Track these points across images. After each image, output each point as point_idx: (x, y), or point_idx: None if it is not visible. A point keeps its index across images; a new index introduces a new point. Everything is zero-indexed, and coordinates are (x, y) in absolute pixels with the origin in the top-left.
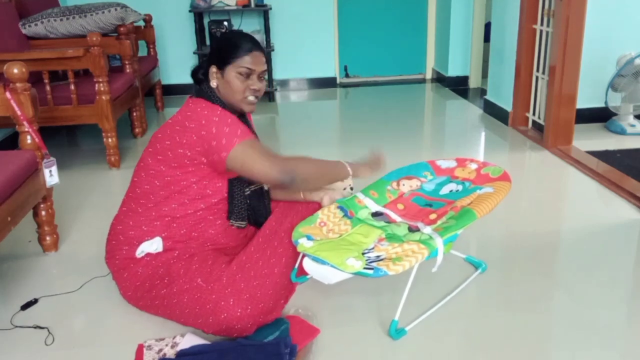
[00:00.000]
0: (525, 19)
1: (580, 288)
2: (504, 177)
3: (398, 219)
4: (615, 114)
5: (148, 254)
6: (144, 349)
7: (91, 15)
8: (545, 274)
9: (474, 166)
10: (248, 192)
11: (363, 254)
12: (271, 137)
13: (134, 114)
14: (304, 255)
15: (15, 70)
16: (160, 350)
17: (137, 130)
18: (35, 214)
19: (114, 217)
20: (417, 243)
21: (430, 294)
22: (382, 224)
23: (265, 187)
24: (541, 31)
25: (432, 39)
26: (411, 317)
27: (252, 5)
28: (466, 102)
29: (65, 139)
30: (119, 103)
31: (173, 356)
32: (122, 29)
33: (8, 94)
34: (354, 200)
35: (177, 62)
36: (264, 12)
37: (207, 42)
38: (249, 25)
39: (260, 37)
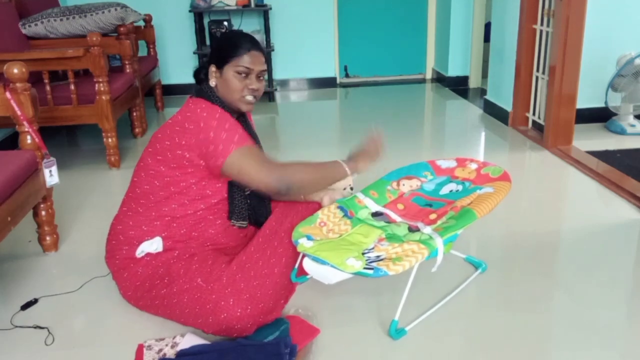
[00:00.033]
0: (525, 19)
1: (580, 288)
2: (504, 177)
3: (398, 219)
4: (615, 114)
5: (148, 254)
6: (144, 349)
7: (91, 15)
8: (545, 274)
9: (474, 166)
10: (248, 192)
11: (363, 254)
12: (271, 137)
13: (134, 114)
14: (304, 255)
15: (15, 70)
16: (160, 350)
17: (137, 130)
18: (35, 214)
19: (114, 217)
20: (417, 243)
21: (430, 294)
22: (382, 224)
23: None
24: (541, 31)
25: (432, 39)
26: (411, 317)
27: (252, 5)
28: (466, 102)
29: (65, 139)
30: (119, 103)
31: (173, 356)
32: (122, 29)
33: (8, 94)
34: (354, 200)
35: (177, 62)
36: (264, 12)
37: (207, 42)
38: (249, 25)
39: (260, 37)
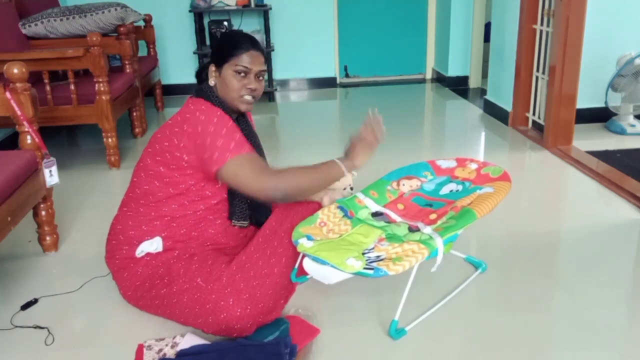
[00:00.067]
0: (525, 19)
1: (580, 288)
2: (504, 177)
3: (398, 219)
4: (615, 114)
5: (148, 254)
6: (144, 349)
7: (91, 15)
8: (545, 274)
9: (474, 166)
10: None
11: (363, 254)
12: (271, 137)
13: (134, 114)
14: (304, 256)
15: (15, 70)
16: (160, 350)
17: (137, 130)
18: (35, 214)
19: (114, 217)
20: (417, 243)
21: (430, 294)
22: (382, 224)
23: None
24: (541, 31)
25: (432, 39)
26: (411, 317)
27: (252, 5)
28: (466, 102)
29: (65, 139)
30: (119, 103)
31: (173, 356)
32: (122, 29)
33: (8, 94)
34: (354, 200)
35: (177, 62)
36: (264, 12)
37: (207, 42)
38: (249, 25)
39: (260, 37)
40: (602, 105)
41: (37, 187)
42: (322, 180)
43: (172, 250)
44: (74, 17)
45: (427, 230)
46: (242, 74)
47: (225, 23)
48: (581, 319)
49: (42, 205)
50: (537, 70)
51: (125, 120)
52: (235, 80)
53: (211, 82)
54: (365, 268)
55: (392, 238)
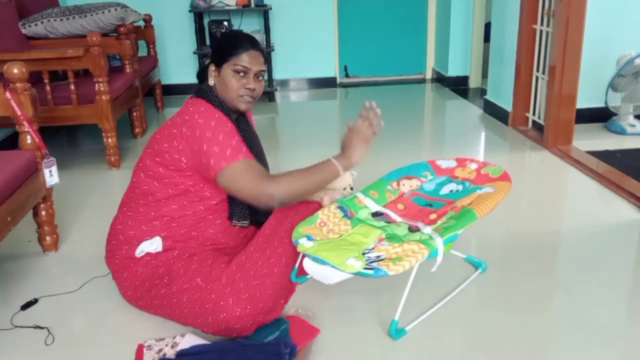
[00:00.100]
0: (525, 19)
1: (580, 288)
2: (504, 177)
3: (398, 219)
4: (615, 114)
5: (148, 254)
6: (144, 349)
7: (91, 15)
8: (545, 274)
9: (474, 166)
10: None
11: (363, 254)
12: (271, 137)
13: (134, 114)
14: (304, 256)
15: (15, 70)
16: (160, 350)
17: (137, 130)
18: (35, 214)
19: (114, 217)
20: (417, 243)
21: (430, 294)
22: (382, 224)
23: None
24: (541, 31)
25: (432, 39)
26: (411, 317)
27: (252, 5)
28: (466, 102)
29: (65, 139)
30: (119, 103)
31: (173, 356)
32: (122, 29)
33: (8, 94)
34: (354, 200)
35: (177, 62)
36: (264, 12)
37: (207, 42)
38: (249, 25)
39: (260, 37)
40: (602, 105)
41: (37, 187)
42: (319, 183)
43: (171, 250)
44: (74, 17)
45: (427, 230)
46: (241, 74)
47: (225, 23)
48: (581, 319)
49: (42, 205)
50: (537, 70)
51: (125, 120)
52: (234, 80)
53: (211, 82)
54: (365, 268)
55: (392, 238)
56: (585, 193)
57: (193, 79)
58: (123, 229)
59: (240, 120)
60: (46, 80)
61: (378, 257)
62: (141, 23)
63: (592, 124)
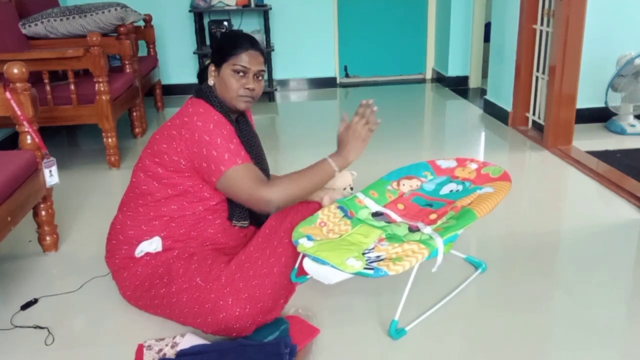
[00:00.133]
0: (525, 19)
1: (580, 288)
2: (504, 177)
3: (398, 219)
4: (615, 114)
5: (147, 254)
6: (144, 349)
7: (91, 15)
8: (545, 274)
9: (474, 166)
10: None
11: (363, 254)
12: (271, 137)
13: (134, 114)
14: (304, 256)
15: (15, 70)
16: (160, 350)
17: (137, 130)
18: (35, 214)
19: (114, 217)
20: (417, 243)
21: (430, 294)
22: (382, 224)
23: None
24: (541, 31)
25: (432, 39)
26: (411, 317)
27: (252, 5)
28: (466, 102)
29: (65, 139)
30: (119, 103)
31: (173, 356)
32: (122, 29)
33: (8, 94)
34: (354, 200)
35: (177, 62)
36: (264, 12)
37: (207, 42)
38: (249, 25)
39: (260, 37)
40: (602, 105)
41: (37, 187)
42: (315, 185)
43: (171, 250)
44: (74, 17)
45: (427, 230)
46: (241, 74)
47: (225, 23)
48: (581, 319)
49: (42, 205)
50: (537, 70)
51: (125, 120)
52: (233, 80)
53: (210, 82)
54: (365, 268)
55: (392, 238)
56: (585, 193)
57: (193, 79)
58: (122, 228)
59: (240, 120)
60: (46, 80)
61: (378, 257)
62: (141, 23)
63: (592, 124)
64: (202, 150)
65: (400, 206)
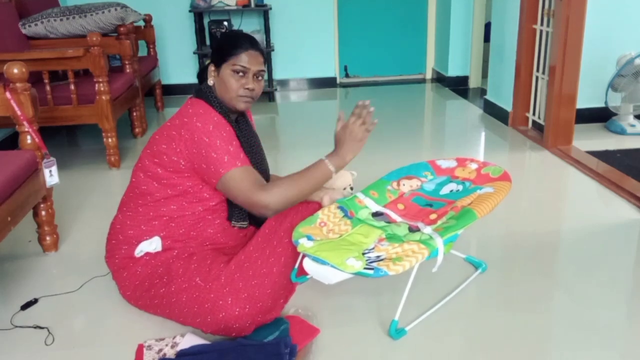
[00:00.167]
0: (525, 19)
1: (580, 288)
2: (505, 177)
3: (398, 219)
4: (615, 114)
5: (147, 253)
6: (144, 349)
7: (91, 15)
8: (545, 274)
9: (474, 166)
10: None
11: (363, 254)
12: (271, 137)
13: (134, 114)
14: (304, 256)
15: (15, 70)
16: (160, 350)
17: (137, 130)
18: (35, 214)
19: (113, 216)
20: (418, 243)
21: (430, 294)
22: (383, 224)
23: None
24: (541, 31)
25: (432, 39)
26: (411, 317)
27: (252, 5)
28: (466, 102)
29: (65, 139)
30: (119, 103)
31: (173, 356)
32: (122, 29)
33: (8, 94)
34: (354, 200)
35: (177, 62)
36: (264, 12)
37: (207, 42)
38: (249, 25)
39: (260, 37)
40: (602, 105)
41: (37, 187)
42: (313, 187)
43: (171, 250)
44: (74, 17)
45: (427, 230)
46: (240, 74)
47: (225, 23)
48: (581, 319)
49: (42, 205)
50: (537, 70)
51: (125, 120)
52: (233, 80)
53: (210, 82)
54: (365, 268)
55: (392, 238)
56: (585, 193)
57: (193, 79)
58: (122, 228)
59: (240, 121)
60: (46, 80)
61: (378, 257)
62: (141, 23)
63: (592, 124)
64: (201, 152)
65: (400, 206)
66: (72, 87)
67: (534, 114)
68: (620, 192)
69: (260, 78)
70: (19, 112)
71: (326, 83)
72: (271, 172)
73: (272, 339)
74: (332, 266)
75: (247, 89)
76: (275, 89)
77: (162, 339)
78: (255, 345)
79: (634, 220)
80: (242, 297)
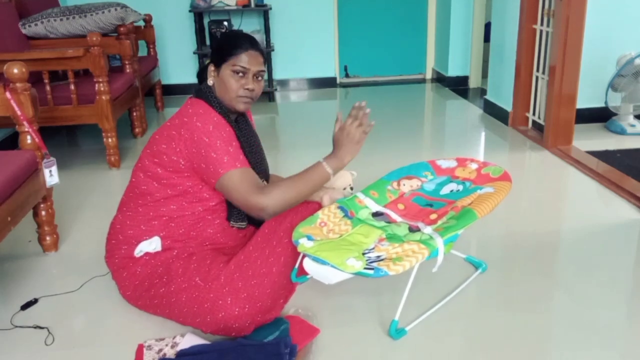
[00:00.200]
0: (525, 19)
1: (580, 288)
2: (505, 177)
3: (398, 219)
4: (615, 114)
5: (147, 253)
6: (144, 349)
7: (91, 15)
8: (545, 274)
9: (474, 166)
10: None
11: (363, 254)
12: (271, 137)
13: (134, 114)
14: (304, 256)
15: (15, 70)
16: (160, 350)
17: (137, 130)
18: (35, 214)
19: (113, 216)
20: (418, 243)
21: (430, 294)
22: (383, 224)
23: None
24: (541, 31)
25: (432, 39)
26: (411, 317)
27: (252, 5)
28: (466, 102)
29: (65, 139)
30: (119, 103)
31: (173, 356)
32: (122, 29)
33: (8, 94)
34: (355, 200)
35: (177, 62)
36: (264, 12)
37: (207, 42)
38: (249, 25)
39: (260, 37)
40: (602, 105)
41: (37, 187)
42: (310, 189)
43: (170, 250)
44: (74, 17)
45: (428, 230)
46: (240, 74)
47: (225, 23)
48: (581, 319)
49: (42, 205)
50: (537, 70)
51: (125, 120)
52: (233, 80)
53: (210, 82)
54: (365, 268)
55: (392, 238)
56: (585, 193)
57: (193, 79)
58: (122, 228)
59: (240, 120)
60: (46, 80)
61: (378, 257)
62: (141, 23)
63: (592, 124)
64: (200, 151)
65: (401, 206)
66: (72, 87)
67: (534, 114)
68: (620, 192)
69: (260, 78)
70: (19, 112)
71: (326, 83)
72: (271, 172)
73: (272, 339)
74: (332, 266)
75: (247, 89)
76: (275, 89)
77: (162, 339)
78: (255, 345)
79: (634, 220)
80: (242, 297)
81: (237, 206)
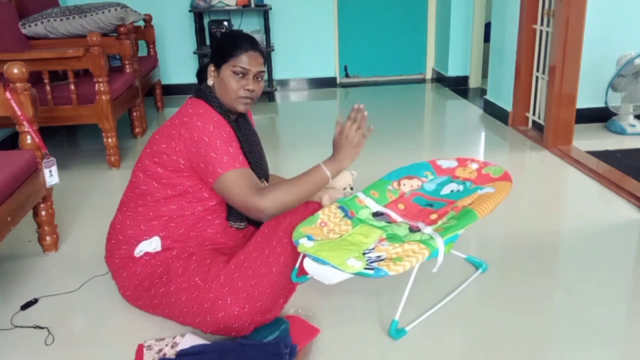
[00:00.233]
0: (525, 19)
1: (580, 288)
2: (505, 177)
3: (399, 219)
4: (615, 114)
5: (147, 253)
6: (144, 349)
7: (91, 15)
8: (545, 274)
9: (474, 166)
10: None
11: (364, 254)
12: (271, 137)
13: (134, 114)
14: (304, 256)
15: (15, 70)
16: (160, 350)
17: (137, 130)
18: (35, 214)
19: (113, 216)
20: (418, 243)
21: (430, 294)
22: (383, 224)
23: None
24: (541, 31)
25: (432, 39)
26: (411, 317)
27: (252, 5)
28: (466, 102)
29: (65, 139)
30: (119, 103)
31: (173, 356)
32: (122, 29)
33: (8, 94)
34: (355, 200)
35: (177, 62)
36: (264, 12)
37: (207, 42)
38: (249, 25)
39: (260, 37)
40: (602, 105)
41: (37, 187)
42: (309, 192)
43: (170, 250)
44: (74, 17)
45: (428, 230)
46: (241, 75)
47: (225, 23)
48: (581, 319)
49: (42, 205)
50: (537, 70)
51: (125, 120)
52: (233, 81)
53: (210, 82)
54: (365, 268)
55: (392, 238)
56: (585, 193)
57: (193, 79)
58: (122, 228)
59: (240, 120)
60: (46, 80)
61: (378, 257)
62: (141, 23)
63: (592, 124)
64: (200, 151)
65: (401, 206)
66: (72, 87)
67: (534, 114)
68: (620, 192)
69: (260, 79)
70: (19, 112)
71: (326, 83)
72: (271, 172)
73: (272, 339)
74: (332, 266)
75: (248, 90)
76: (275, 89)
77: (162, 339)
78: (255, 345)
79: (634, 220)
80: (241, 297)
81: (235, 207)
